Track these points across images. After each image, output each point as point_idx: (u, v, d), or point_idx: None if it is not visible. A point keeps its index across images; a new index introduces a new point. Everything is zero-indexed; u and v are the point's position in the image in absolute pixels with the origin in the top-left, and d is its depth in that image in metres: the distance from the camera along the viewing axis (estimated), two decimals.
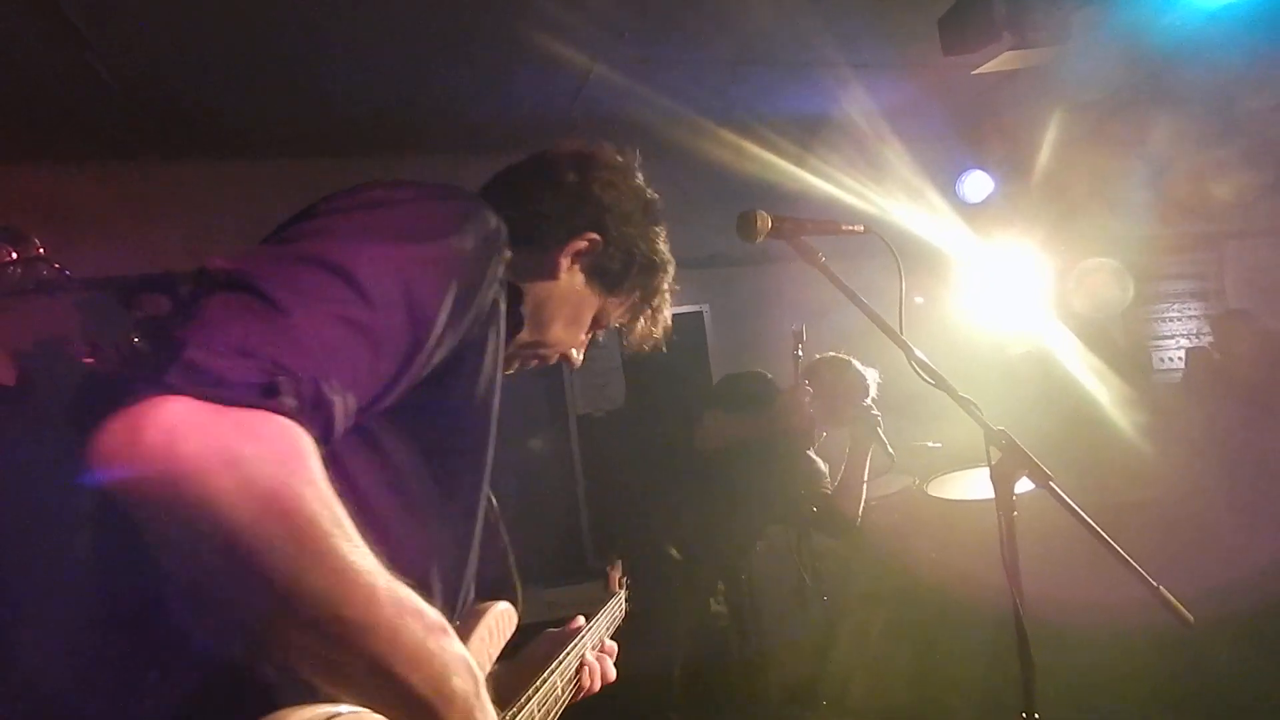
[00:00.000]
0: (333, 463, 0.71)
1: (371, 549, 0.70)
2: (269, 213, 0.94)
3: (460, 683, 0.76)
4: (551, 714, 1.23)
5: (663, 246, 1.32)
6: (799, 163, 4.30)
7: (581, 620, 1.50)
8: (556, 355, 1.29)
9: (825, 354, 3.13)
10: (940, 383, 1.54)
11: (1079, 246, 4.84)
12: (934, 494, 3.58)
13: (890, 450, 2.94)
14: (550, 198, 1.21)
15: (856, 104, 4.10)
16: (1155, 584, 1.42)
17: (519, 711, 1.10)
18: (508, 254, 0.97)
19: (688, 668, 2.96)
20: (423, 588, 0.90)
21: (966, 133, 4.87)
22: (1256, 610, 2.89)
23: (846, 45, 3.48)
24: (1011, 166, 4.79)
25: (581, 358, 1.31)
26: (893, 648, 3.35)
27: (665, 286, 1.35)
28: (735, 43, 3.42)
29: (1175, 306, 5.73)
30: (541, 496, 4.39)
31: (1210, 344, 4.66)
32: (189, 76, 3.26)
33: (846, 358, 3.07)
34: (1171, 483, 3.39)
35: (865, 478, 3.02)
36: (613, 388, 4.55)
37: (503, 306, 0.99)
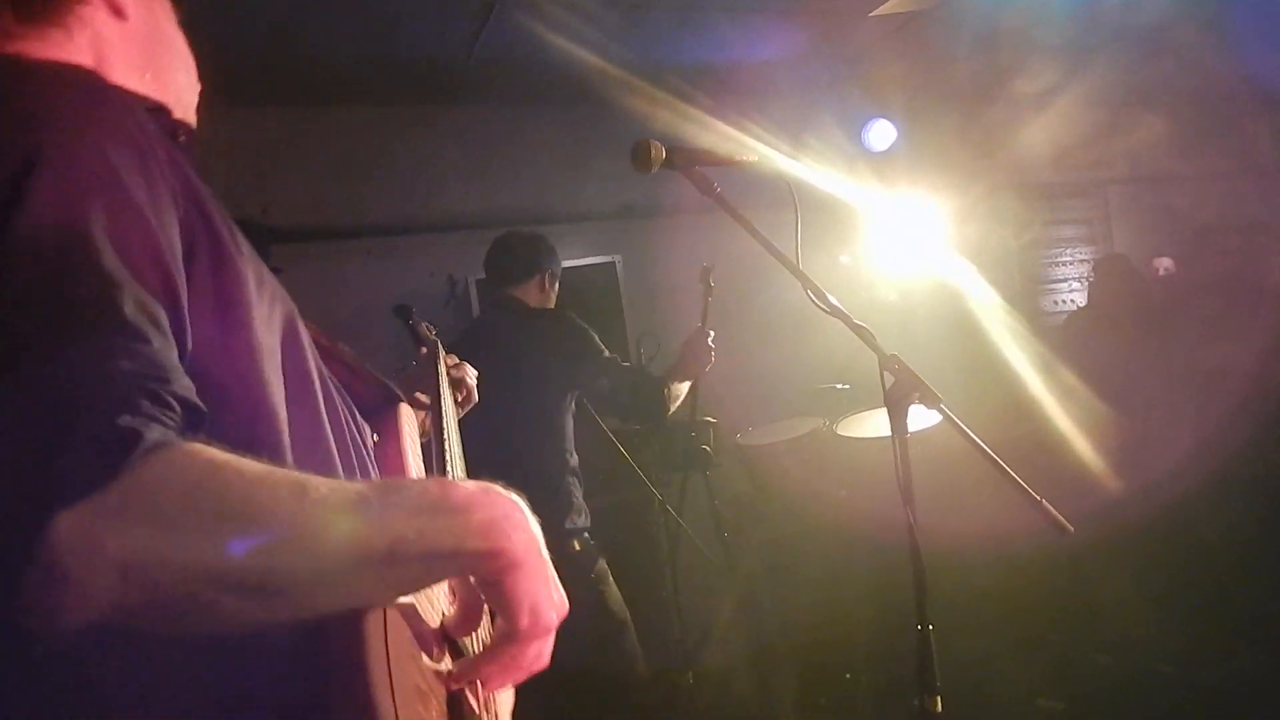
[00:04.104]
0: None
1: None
2: None
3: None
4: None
5: None
6: (711, 112, 4.28)
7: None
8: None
9: None
10: (835, 311, 1.57)
11: (975, 194, 4.99)
12: (843, 434, 3.66)
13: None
14: None
15: (761, 50, 4.11)
16: (1038, 497, 1.50)
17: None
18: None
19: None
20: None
21: (869, 83, 4.93)
22: (1130, 532, 3.09)
23: None
24: (912, 116, 4.89)
25: None
26: (798, 580, 3.47)
27: None
28: None
29: (1067, 251, 5.98)
30: None
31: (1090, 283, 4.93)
32: None
33: None
34: (1060, 416, 3.56)
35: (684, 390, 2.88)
36: None
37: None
